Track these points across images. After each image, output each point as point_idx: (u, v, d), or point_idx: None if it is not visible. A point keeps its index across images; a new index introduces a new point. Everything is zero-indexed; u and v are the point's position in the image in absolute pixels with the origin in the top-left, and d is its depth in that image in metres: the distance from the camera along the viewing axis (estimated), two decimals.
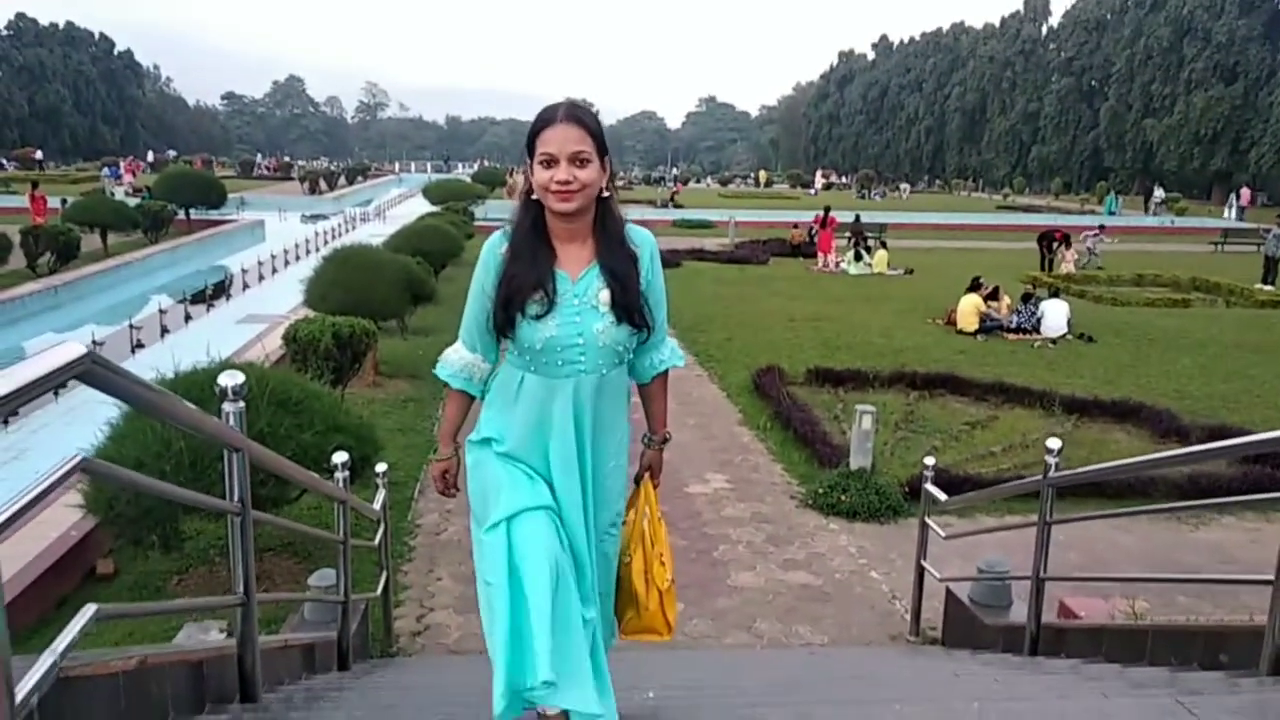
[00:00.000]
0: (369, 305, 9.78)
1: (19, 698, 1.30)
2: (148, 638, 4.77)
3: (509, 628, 2.24)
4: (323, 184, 49.34)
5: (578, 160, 2.33)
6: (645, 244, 2.52)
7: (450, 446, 2.71)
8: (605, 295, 2.41)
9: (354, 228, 30.58)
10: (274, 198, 40.37)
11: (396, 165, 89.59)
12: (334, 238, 25.26)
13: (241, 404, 2.42)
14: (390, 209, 38.15)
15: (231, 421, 2.39)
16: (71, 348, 1.39)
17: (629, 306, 2.41)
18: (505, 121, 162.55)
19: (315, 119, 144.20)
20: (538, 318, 2.38)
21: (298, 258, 21.76)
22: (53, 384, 1.35)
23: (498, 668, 2.22)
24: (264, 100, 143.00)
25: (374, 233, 23.86)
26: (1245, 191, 46.99)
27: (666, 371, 2.70)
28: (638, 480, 2.75)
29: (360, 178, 61.32)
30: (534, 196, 2.41)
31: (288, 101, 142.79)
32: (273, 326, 11.40)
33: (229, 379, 2.39)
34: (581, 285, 2.41)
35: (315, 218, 33.88)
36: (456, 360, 2.59)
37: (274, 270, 20.20)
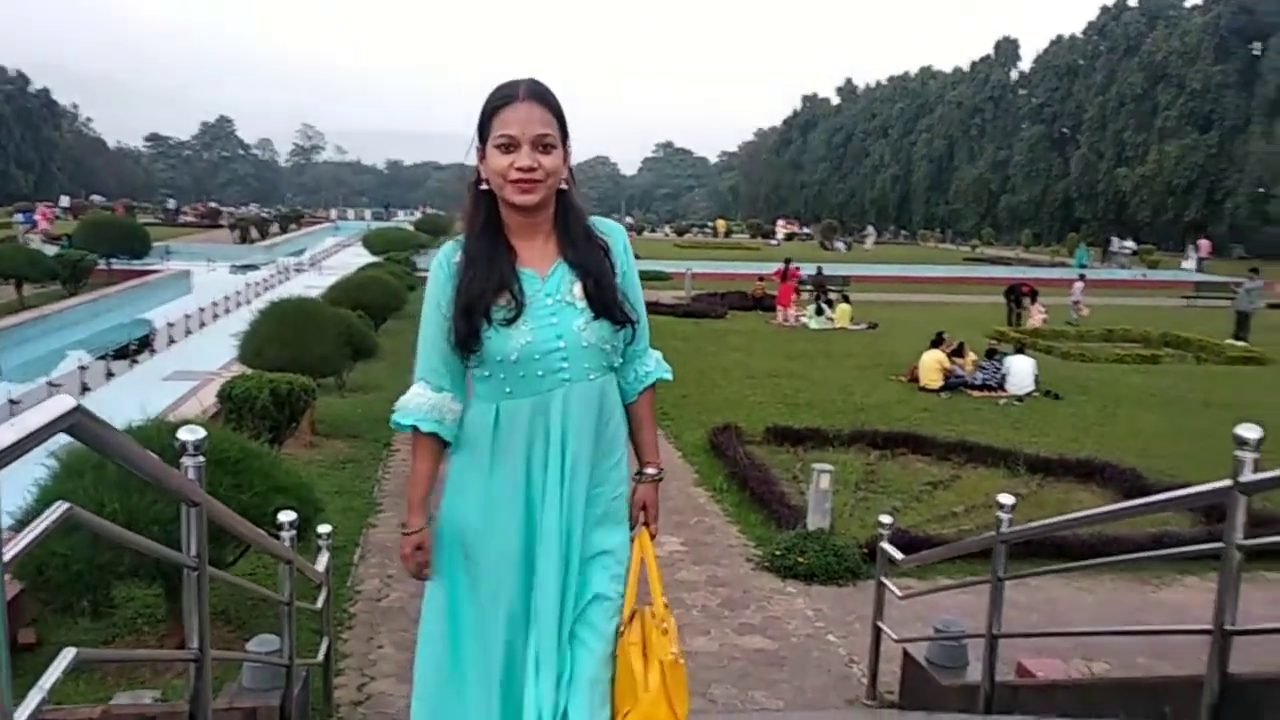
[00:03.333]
0: (307, 361, 9.93)
1: None
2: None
3: None
4: (254, 232, 49.30)
5: (541, 145, 2.17)
6: (616, 235, 2.39)
7: (422, 516, 2.37)
8: (579, 289, 2.26)
9: (288, 279, 30.65)
10: (202, 246, 40.34)
11: (333, 212, 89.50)
12: (266, 289, 25.39)
13: (201, 459, 2.61)
14: (326, 259, 38.28)
15: (191, 476, 2.58)
16: (63, 400, 1.60)
17: (606, 301, 2.26)
18: (451, 166, 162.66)
19: (246, 162, 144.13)
20: (507, 323, 2.21)
21: (227, 310, 21.81)
22: (48, 436, 1.56)
23: None
24: (191, 142, 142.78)
25: (310, 284, 24.04)
26: (1204, 243, 48.63)
27: (654, 387, 2.51)
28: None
29: (294, 225, 61.29)
30: (484, 188, 2.26)
31: (216, 144, 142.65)
32: (204, 384, 11.50)
33: (189, 434, 2.58)
34: (552, 282, 2.27)
35: (246, 268, 33.93)
36: (423, 402, 2.32)
37: (202, 324, 20.23)
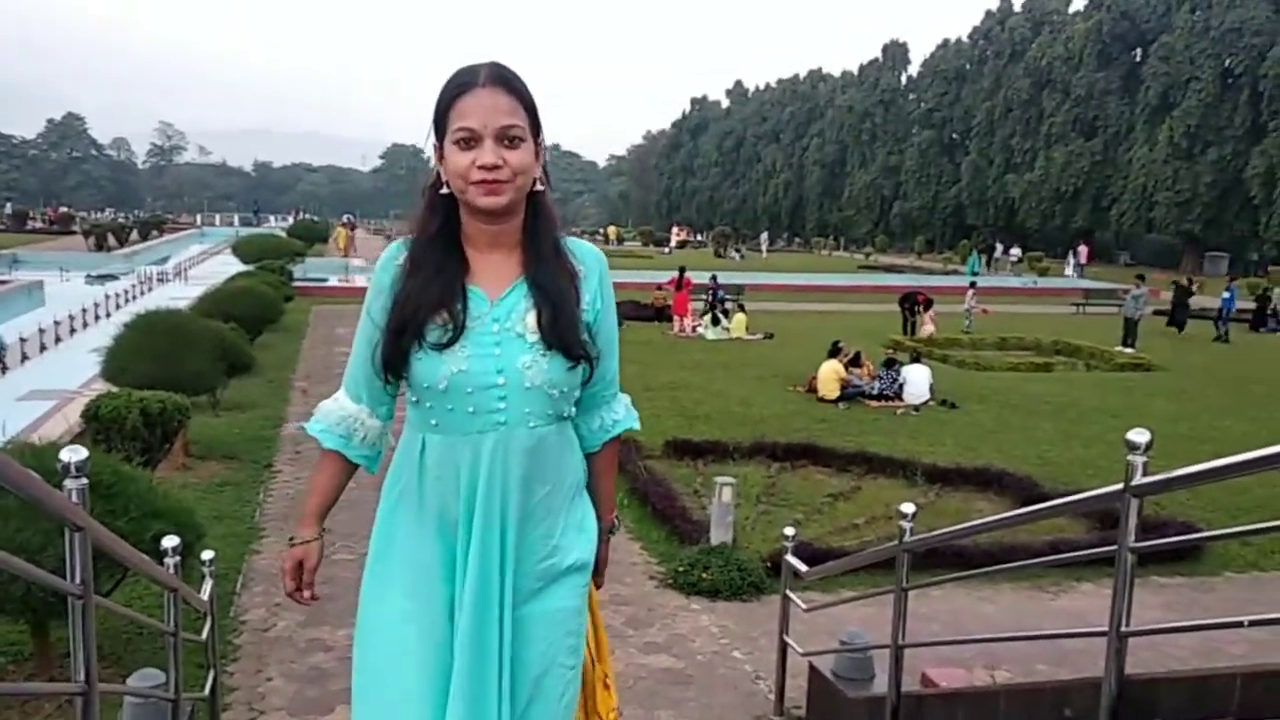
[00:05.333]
0: (179, 378, 9.70)
1: None
2: None
3: None
4: (111, 239, 47.74)
5: (507, 139, 1.95)
6: (594, 263, 2.17)
7: (313, 529, 2.23)
8: (532, 319, 2.03)
9: (151, 289, 29.80)
10: (54, 255, 38.91)
11: (198, 217, 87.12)
12: (127, 301, 24.63)
13: (84, 481, 2.57)
14: (193, 267, 37.29)
15: (74, 499, 2.55)
16: None
17: (561, 333, 2.03)
18: (324, 168, 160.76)
19: (99, 163, 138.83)
20: (440, 347, 1.99)
21: (85, 325, 21.07)
22: None
23: None
24: (37, 141, 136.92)
25: (175, 295, 23.42)
26: (1083, 249, 51.10)
27: (618, 438, 2.38)
28: None
29: (155, 232, 59.58)
30: (444, 191, 2.03)
31: (65, 143, 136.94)
32: (64, 403, 11.13)
33: (72, 455, 2.54)
34: (503, 307, 2.04)
35: (104, 278, 32.80)
36: (335, 412, 2.20)
37: (58, 339, 19.50)
